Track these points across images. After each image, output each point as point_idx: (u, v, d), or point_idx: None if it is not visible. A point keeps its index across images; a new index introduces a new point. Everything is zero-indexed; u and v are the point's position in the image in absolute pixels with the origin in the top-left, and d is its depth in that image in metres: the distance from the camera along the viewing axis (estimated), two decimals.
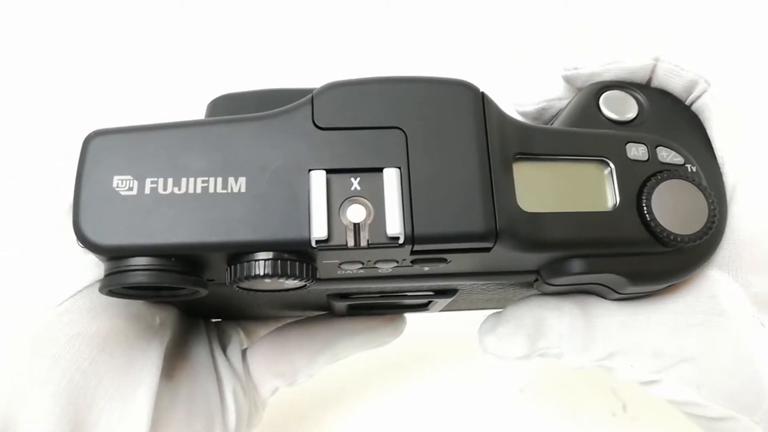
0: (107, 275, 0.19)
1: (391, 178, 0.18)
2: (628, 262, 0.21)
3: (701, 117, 0.24)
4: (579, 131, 0.22)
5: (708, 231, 0.21)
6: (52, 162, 0.39)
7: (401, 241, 0.18)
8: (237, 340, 0.29)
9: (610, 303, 0.23)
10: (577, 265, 0.21)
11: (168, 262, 0.18)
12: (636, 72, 0.24)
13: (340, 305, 0.26)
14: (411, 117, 0.19)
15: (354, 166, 0.19)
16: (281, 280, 0.19)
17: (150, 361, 0.23)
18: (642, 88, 0.24)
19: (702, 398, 0.22)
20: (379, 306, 0.27)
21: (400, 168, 0.19)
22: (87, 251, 0.18)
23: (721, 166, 0.23)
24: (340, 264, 0.20)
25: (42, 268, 0.22)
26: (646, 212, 0.21)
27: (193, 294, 0.20)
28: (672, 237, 0.21)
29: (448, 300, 0.25)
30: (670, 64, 0.24)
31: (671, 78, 0.24)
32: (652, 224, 0.21)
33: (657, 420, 0.34)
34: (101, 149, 0.19)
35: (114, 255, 0.19)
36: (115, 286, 0.19)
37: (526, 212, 0.20)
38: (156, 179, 0.19)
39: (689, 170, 0.22)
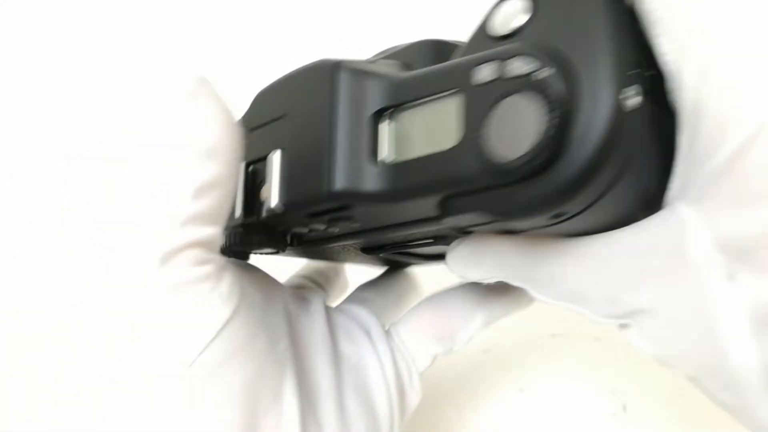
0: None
1: (273, 159, 0.22)
2: (489, 198, 0.19)
3: (640, 11, 0.18)
4: (435, 68, 0.21)
5: (542, 150, 0.17)
6: (52, 162, 0.39)
7: (279, 211, 0.22)
8: (376, 322, 0.28)
9: (556, 241, 0.21)
10: (444, 207, 0.20)
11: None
12: None
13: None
14: (292, 104, 0.22)
15: (261, 156, 0.23)
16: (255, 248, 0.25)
17: (290, 390, 0.22)
18: None
19: (661, 355, 0.19)
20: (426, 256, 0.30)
21: (284, 149, 0.22)
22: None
23: (674, 73, 0.17)
24: (294, 230, 0.25)
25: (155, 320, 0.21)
26: (480, 140, 0.18)
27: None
28: (499, 164, 0.18)
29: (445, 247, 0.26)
30: None
31: None
32: (485, 153, 0.18)
33: (657, 420, 0.34)
34: None
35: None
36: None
37: (389, 164, 0.21)
38: None
39: (536, 78, 0.18)
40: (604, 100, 0.17)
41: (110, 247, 0.23)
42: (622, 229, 0.19)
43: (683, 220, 0.17)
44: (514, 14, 0.20)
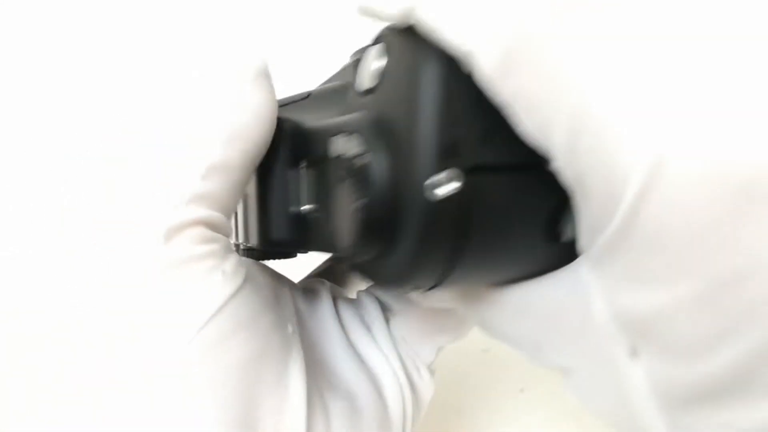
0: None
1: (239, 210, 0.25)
2: (364, 266, 0.18)
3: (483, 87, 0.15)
4: (319, 126, 0.20)
5: (360, 243, 0.16)
6: (52, 162, 0.39)
7: (241, 248, 0.24)
8: (379, 314, 0.27)
9: (492, 290, 0.20)
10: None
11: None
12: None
13: None
14: None
15: None
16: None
17: (296, 373, 0.22)
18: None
19: (586, 408, 0.18)
20: None
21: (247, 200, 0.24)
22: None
23: (544, 149, 0.15)
24: None
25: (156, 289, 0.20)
26: (330, 219, 0.18)
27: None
28: (342, 247, 0.17)
29: None
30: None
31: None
32: (335, 231, 0.18)
33: None
34: None
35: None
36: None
37: (307, 215, 0.21)
38: None
39: (357, 165, 0.16)
40: (412, 191, 0.15)
41: (110, 247, 0.23)
42: (537, 279, 0.18)
43: (588, 285, 0.16)
44: (371, 66, 0.18)
